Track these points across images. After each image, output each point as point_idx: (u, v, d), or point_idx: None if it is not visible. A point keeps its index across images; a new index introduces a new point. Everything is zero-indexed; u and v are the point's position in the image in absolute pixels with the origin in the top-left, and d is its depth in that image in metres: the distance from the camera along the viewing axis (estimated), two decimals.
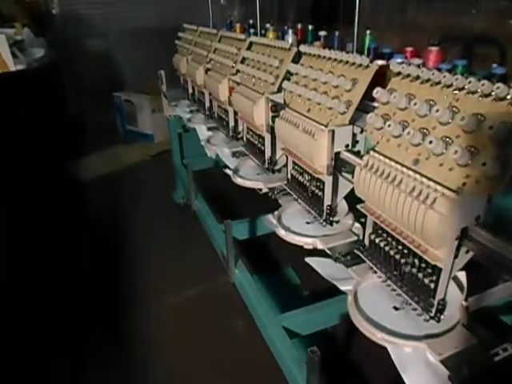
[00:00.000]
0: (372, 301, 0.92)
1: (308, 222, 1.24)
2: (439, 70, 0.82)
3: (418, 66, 0.88)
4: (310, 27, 1.89)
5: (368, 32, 1.48)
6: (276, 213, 1.30)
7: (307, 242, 1.14)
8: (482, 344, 0.75)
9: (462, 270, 0.80)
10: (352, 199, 1.12)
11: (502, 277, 0.78)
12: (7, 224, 2.40)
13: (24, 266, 2.22)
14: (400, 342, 0.79)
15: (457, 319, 0.80)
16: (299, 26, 1.97)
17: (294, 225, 1.23)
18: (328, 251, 1.09)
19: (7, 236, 2.32)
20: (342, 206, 1.18)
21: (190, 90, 2.36)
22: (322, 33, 1.78)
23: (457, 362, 0.73)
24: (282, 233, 1.20)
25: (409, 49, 1.30)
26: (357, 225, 1.17)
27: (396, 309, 0.89)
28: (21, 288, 2.08)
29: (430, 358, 0.75)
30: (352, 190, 1.10)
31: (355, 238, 1.12)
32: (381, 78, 0.99)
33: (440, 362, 0.73)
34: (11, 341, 1.76)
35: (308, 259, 1.09)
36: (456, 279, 0.85)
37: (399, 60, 1.20)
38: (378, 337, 0.82)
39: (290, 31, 1.90)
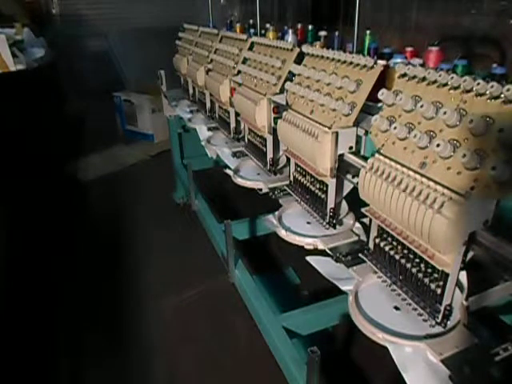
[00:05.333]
0: (373, 301, 0.92)
1: (309, 222, 1.24)
2: (439, 70, 0.81)
3: (421, 65, 0.87)
4: (310, 27, 1.89)
5: (368, 32, 1.48)
6: (276, 213, 1.30)
7: (308, 243, 1.14)
8: (482, 344, 0.75)
9: (461, 269, 0.80)
10: (352, 199, 1.12)
11: (502, 277, 0.78)
12: (7, 224, 2.40)
13: (23, 266, 2.21)
14: (401, 342, 0.79)
15: (457, 319, 0.81)
16: (299, 26, 1.98)
17: (295, 225, 1.23)
18: (329, 251, 1.09)
19: (7, 236, 2.32)
20: (343, 206, 1.18)
21: (191, 91, 2.36)
22: (323, 33, 1.78)
23: (457, 361, 0.73)
24: (282, 233, 1.20)
25: (409, 49, 1.31)
26: (357, 225, 1.17)
27: (397, 309, 0.89)
28: (20, 288, 2.07)
29: (431, 357, 0.76)
30: (351, 190, 1.10)
31: (356, 238, 1.12)
32: (380, 79, 0.99)
33: (441, 361, 0.74)
34: (11, 341, 1.76)
35: (309, 258, 1.09)
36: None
37: (399, 60, 1.21)
38: (379, 337, 0.82)
39: (290, 31, 1.91)
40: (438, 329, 0.80)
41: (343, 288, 0.97)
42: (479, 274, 0.81)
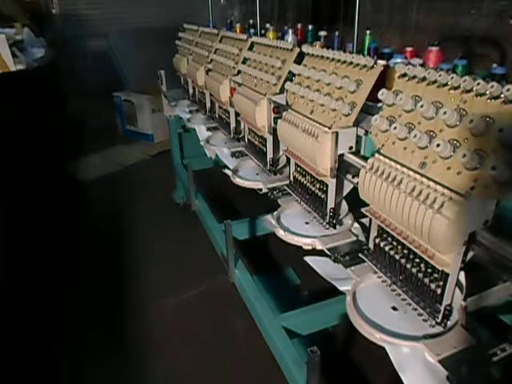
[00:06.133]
0: (371, 301, 0.92)
1: (307, 222, 1.24)
2: (439, 70, 0.81)
3: (421, 65, 0.87)
4: (310, 27, 1.89)
5: (368, 32, 1.48)
6: (275, 213, 1.30)
7: (306, 243, 1.14)
8: (480, 344, 0.75)
9: (461, 269, 0.80)
10: (352, 199, 1.12)
11: (501, 277, 0.78)
12: (7, 224, 2.40)
13: (24, 266, 2.22)
14: (398, 342, 0.79)
15: (456, 319, 0.80)
16: (299, 26, 1.98)
17: (293, 225, 1.23)
18: (327, 251, 1.09)
19: (7, 236, 2.32)
20: (343, 206, 1.18)
21: (191, 91, 2.36)
22: (322, 33, 1.78)
23: (455, 362, 0.73)
24: (280, 233, 1.20)
25: (409, 49, 1.31)
26: (356, 225, 1.16)
27: (394, 309, 0.89)
28: (20, 288, 2.08)
29: (429, 358, 0.75)
30: (351, 190, 1.10)
31: (354, 238, 1.12)
32: (380, 79, 0.99)
33: (438, 362, 0.74)
34: (11, 341, 1.76)
35: (307, 258, 1.09)
36: None
37: (399, 60, 1.21)
38: (377, 337, 0.82)
39: (290, 31, 1.91)
40: (436, 329, 0.80)
41: (341, 288, 0.97)
42: (478, 274, 0.81)
